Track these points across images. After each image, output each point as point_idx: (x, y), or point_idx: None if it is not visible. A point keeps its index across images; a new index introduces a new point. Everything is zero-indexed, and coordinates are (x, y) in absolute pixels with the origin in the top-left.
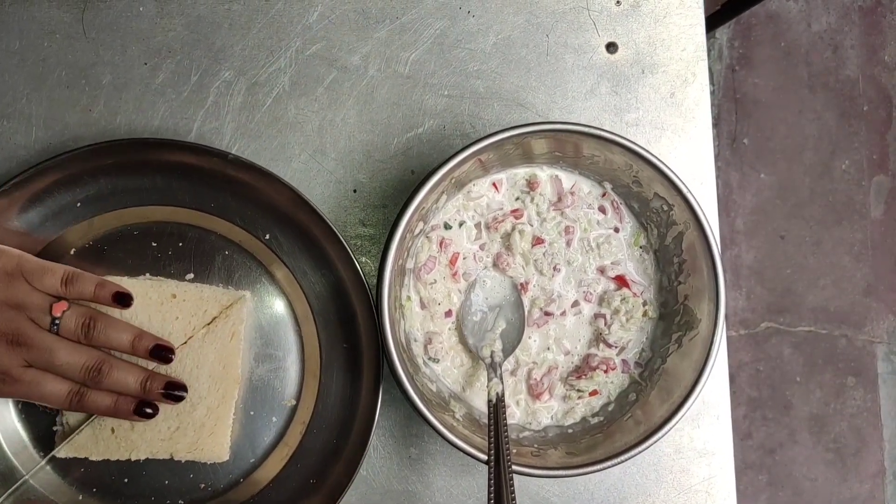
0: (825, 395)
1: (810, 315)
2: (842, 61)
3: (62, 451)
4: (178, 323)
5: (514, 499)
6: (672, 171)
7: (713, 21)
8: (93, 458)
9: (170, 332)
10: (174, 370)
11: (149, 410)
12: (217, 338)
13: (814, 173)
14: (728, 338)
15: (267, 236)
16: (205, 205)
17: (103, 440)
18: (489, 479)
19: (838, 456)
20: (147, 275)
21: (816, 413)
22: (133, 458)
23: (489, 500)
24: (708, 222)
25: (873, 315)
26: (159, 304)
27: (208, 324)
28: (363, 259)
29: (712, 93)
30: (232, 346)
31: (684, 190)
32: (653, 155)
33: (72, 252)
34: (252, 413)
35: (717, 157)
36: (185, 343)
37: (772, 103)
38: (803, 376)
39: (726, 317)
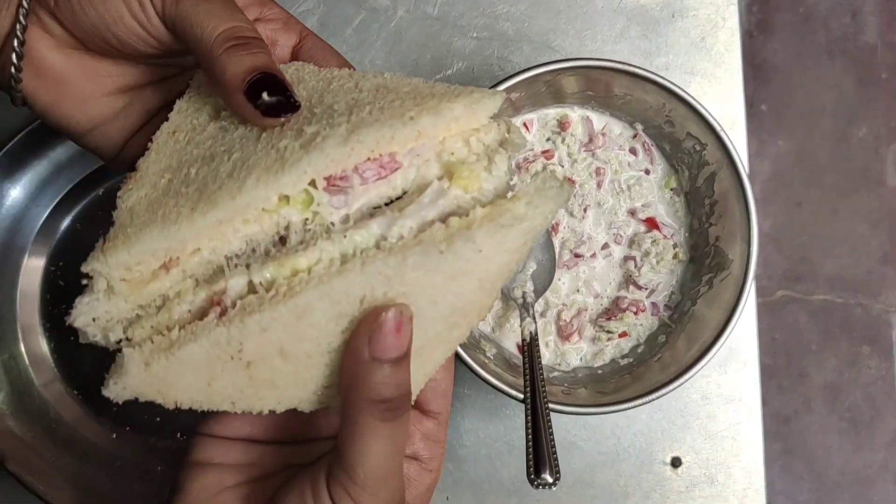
0: (840, 364)
1: (826, 283)
2: (861, 27)
3: (119, 392)
4: None
5: (552, 436)
6: (706, 110)
7: None
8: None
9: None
10: (398, 293)
11: None
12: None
13: (831, 141)
14: None
15: None
16: None
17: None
18: (526, 418)
19: (852, 425)
20: None
21: (831, 382)
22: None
23: (527, 437)
24: (741, 161)
25: (889, 284)
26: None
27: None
28: None
29: None
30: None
31: (717, 128)
32: (687, 93)
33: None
34: None
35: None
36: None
37: (790, 69)
38: (818, 345)
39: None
